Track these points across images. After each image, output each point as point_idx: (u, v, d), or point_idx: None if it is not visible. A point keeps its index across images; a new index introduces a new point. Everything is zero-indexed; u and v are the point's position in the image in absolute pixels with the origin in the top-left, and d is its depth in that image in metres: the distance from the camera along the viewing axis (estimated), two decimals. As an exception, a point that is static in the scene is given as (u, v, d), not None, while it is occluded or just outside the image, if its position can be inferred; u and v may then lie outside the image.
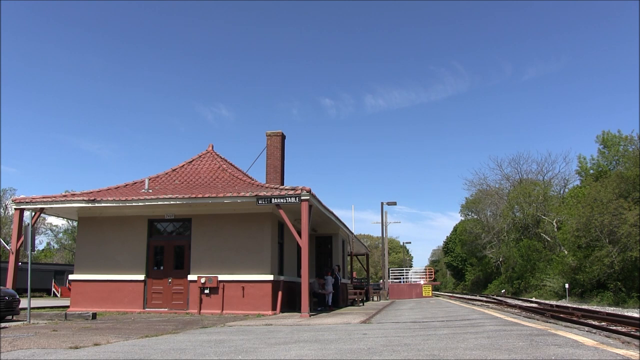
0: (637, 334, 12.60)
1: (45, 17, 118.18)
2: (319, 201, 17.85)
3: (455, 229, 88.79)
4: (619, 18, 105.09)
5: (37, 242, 42.52)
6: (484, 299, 42.05)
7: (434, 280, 57.06)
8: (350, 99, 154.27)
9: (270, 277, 17.33)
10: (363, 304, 25.10)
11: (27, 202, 17.96)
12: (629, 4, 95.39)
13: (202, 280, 17.46)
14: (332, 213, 20.60)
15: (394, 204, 41.82)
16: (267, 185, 18.78)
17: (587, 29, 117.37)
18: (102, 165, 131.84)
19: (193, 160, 21.48)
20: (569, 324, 14.69)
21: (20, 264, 18.27)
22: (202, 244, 18.14)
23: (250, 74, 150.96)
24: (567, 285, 34.61)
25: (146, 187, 18.70)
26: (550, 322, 13.38)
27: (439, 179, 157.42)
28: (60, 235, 77.23)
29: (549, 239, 50.61)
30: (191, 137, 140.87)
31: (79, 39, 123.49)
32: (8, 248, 20.69)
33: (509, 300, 35.30)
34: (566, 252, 41.42)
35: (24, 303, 15.01)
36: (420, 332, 9.49)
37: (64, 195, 19.10)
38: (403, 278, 50.88)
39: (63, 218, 28.10)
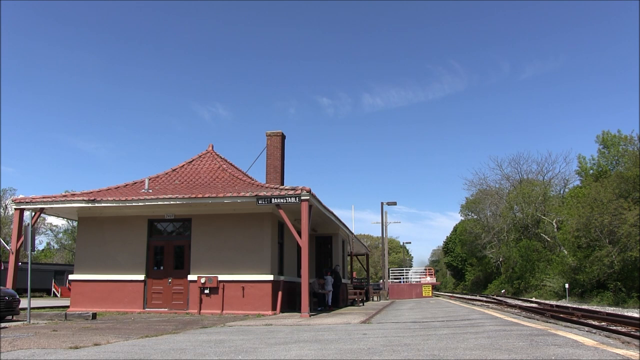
0: (637, 334, 12.59)
1: (42, 16, 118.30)
2: (319, 201, 17.85)
3: (455, 229, 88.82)
4: (618, 18, 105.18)
5: (37, 242, 42.51)
6: (484, 299, 42.05)
7: (435, 280, 57.03)
8: (348, 97, 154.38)
9: (270, 277, 17.34)
10: (363, 304, 25.10)
11: (27, 202, 17.96)
12: (629, 4, 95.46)
13: (202, 280, 17.46)
14: (332, 213, 20.60)
15: (394, 204, 41.79)
16: (267, 185, 18.79)
17: (586, 29, 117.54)
18: (100, 165, 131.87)
19: (193, 160, 21.49)
20: (569, 324, 14.68)
21: (20, 264, 18.27)
22: (202, 244, 18.14)
23: (247, 73, 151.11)
24: (567, 285, 34.61)
25: (146, 187, 18.70)
26: (550, 322, 13.38)
27: (438, 179, 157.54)
28: (60, 235, 77.28)
29: (548, 239, 50.61)
30: (189, 136, 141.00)
31: (75, 37, 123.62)
32: (8, 248, 20.68)
33: (509, 300, 35.30)
34: (566, 252, 41.43)
35: (24, 303, 15.01)
36: (420, 332, 9.49)
37: (64, 195, 19.10)
38: (403, 278, 50.90)
39: (63, 218, 28.12)
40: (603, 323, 16.61)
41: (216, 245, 17.98)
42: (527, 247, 50.69)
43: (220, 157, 21.65)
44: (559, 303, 31.22)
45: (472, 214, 71.78)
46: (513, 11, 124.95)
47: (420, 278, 51.45)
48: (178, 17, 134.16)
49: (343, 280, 23.47)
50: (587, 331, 10.75)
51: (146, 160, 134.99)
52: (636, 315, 20.36)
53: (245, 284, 17.40)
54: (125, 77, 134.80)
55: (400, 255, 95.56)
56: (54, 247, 79.57)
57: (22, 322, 13.53)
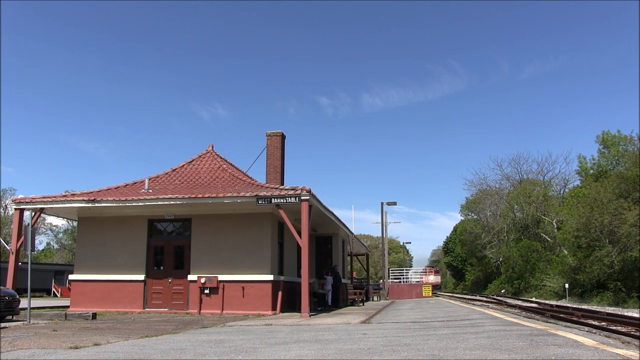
0: (637, 334, 12.59)
1: (42, 16, 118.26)
2: (319, 201, 17.86)
3: (455, 229, 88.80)
4: (618, 18, 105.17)
5: (37, 242, 42.50)
6: (484, 299, 42.03)
7: (439, 279, 57.06)
8: (347, 97, 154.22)
9: (270, 277, 17.34)
10: (363, 304, 25.10)
11: (27, 202, 17.96)
12: (628, 4, 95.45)
13: (202, 280, 17.47)
14: (332, 213, 20.60)
15: (394, 204, 41.75)
16: (267, 185, 18.79)
17: (586, 29, 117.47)
18: (100, 165, 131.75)
19: (193, 160, 21.50)
20: (569, 324, 14.67)
21: (20, 264, 18.27)
22: (202, 244, 18.14)
23: (247, 73, 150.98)
24: (567, 285, 34.61)
25: (146, 187, 18.71)
26: (550, 322, 13.38)
27: (438, 179, 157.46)
28: (60, 235, 77.27)
29: (549, 239, 50.60)
30: (189, 136, 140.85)
31: (75, 37, 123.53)
32: (8, 248, 20.69)
33: (509, 300, 35.29)
34: (566, 252, 41.42)
35: (24, 303, 15.01)
36: (420, 332, 9.50)
37: (64, 195, 19.11)
38: (403, 278, 50.95)
39: (63, 218, 28.12)
40: (603, 323, 16.60)
41: (216, 245, 17.98)
42: (527, 247, 50.65)
43: (220, 157, 21.66)
44: (559, 303, 31.20)
45: (472, 214, 71.74)
46: (513, 11, 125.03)
47: (421, 277, 51.52)
48: (178, 17, 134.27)
49: (343, 280, 23.47)
50: (587, 331, 10.74)
51: (147, 159, 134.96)
52: (636, 315, 20.36)
53: (245, 284, 17.41)
54: (125, 77, 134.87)
55: (400, 255, 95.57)
56: (54, 247, 79.60)
57: (22, 322, 13.53)
